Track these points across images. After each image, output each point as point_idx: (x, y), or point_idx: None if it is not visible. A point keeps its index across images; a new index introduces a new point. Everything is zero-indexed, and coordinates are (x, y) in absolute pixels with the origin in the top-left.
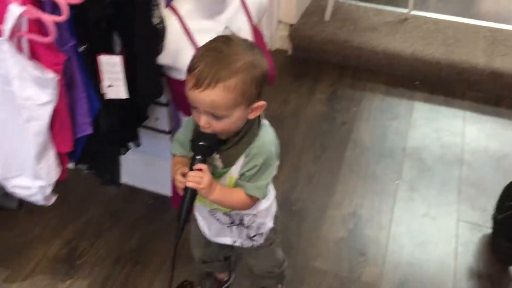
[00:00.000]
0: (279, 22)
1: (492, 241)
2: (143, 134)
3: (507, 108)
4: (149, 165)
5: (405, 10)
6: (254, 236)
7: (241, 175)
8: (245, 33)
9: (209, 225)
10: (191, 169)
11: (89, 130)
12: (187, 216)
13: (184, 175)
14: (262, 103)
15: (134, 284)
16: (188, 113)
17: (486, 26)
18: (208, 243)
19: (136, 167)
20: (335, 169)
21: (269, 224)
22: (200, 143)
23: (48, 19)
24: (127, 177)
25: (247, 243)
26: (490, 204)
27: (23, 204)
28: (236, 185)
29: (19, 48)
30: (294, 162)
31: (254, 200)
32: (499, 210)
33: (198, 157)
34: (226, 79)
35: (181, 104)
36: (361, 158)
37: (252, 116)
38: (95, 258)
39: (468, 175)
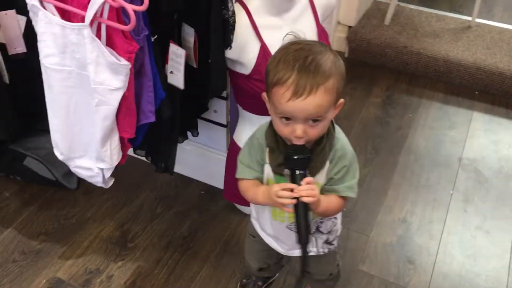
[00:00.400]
0: (338, 23)
1: None
2: (201, 126)
3: None
4: (204, 157)
5: (469, 18)
6: (333, 240)
7: (329, 180)
8: (311, 32)
9: (283, 241)
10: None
11: (152, 118)
12: (308, 233)
13: (291, 190)
14: (342, 100)
15: (182, 270)
16: (246, 107)
17: None
18: (268, 255)
19: (191, 157)
20: (387, 173)
21: (340, 225)
22: (298, 157)
23: (130, 7)
24: (181, 166)
25: (323, 249)
26: None
27: (81, 185)
28: (324, 191)
29: (98, 35)
30: None
31: (345, 201)
32: None
33: (299, 172)
34: (325, 82)
35: (243, 98)
36: (415, 165)
37: (334, 115)
38: (147, 242)
39: None
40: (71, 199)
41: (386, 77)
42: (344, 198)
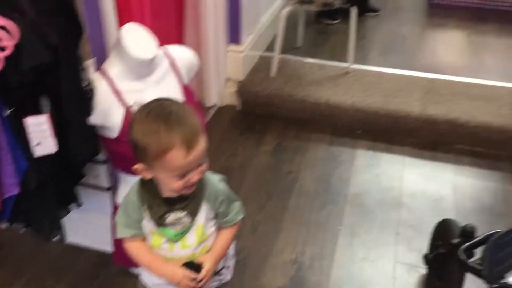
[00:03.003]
0: (228, 79)
1: (426, 281)
2: (84, 192)
3: (443, 152)
4: (91, 223)
5: (346, 64)
6: (221, 269)
7: (217, 215)
8: (176, 92)
9: None
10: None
11: (15, 190)
12: None
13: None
14: None
15: None
16: (122, 169)
17: (423, 77)
18: None
19: (78, 225)
20: (279, 217)
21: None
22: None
23: None
24: (70, 235)
25: (214, 285)
26: (426, 245)
27: None
28: (217, 225)
29: None
30: None
31: (238, 224)
32: (430, 250)
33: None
34: (198, 126)
35: (117, 161)
36: (305, 206)
37: None
38: None
39: (406, 217)
40: None
41: (276, 125)
42: (237, 223)
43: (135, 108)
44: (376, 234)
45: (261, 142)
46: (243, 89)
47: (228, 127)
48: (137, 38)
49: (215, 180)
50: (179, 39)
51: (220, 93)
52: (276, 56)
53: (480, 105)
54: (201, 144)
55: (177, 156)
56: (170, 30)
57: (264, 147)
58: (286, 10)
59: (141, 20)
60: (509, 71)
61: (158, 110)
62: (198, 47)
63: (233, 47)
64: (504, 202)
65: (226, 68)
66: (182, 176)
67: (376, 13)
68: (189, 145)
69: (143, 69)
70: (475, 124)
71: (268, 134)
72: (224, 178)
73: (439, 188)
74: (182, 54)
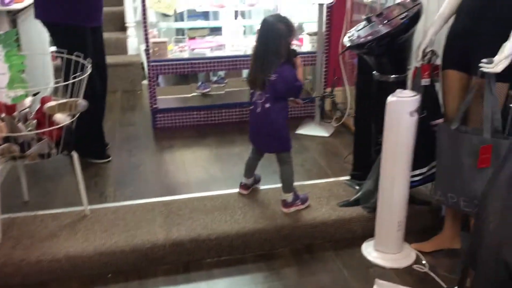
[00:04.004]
0: None
1: None
2: None
3: (195, 271)
4: None
5: (82, 208)
6: None
7: None
8: None
9: None
10: None
11: None
12: None
13: None
14: None
15: None
16: None
17: (161, 201)
18: None
19: None
20: None
21: None
22: None
23: None
24: None
25: None
26: None
27: None
28: None
29: None
30: None
31: None
32: None
33: None
34: None
35: None
36: None
37: None
38: None
39: None
40: None
41: None
42: None
43: None
44: None
45: None
46: None
47: None
48: None
49: None
50: None
51: None
52: None
53: (216, 217)
54: None
55: None
56: None
57: None
58: None
59: None
60: (234, 177)
61: None
62: None
63: None
64: None
65: None
66: None
67: (106, 147)
68: None
69: None
70: (215, 235)
71: None
72: None
73: None
74: None
